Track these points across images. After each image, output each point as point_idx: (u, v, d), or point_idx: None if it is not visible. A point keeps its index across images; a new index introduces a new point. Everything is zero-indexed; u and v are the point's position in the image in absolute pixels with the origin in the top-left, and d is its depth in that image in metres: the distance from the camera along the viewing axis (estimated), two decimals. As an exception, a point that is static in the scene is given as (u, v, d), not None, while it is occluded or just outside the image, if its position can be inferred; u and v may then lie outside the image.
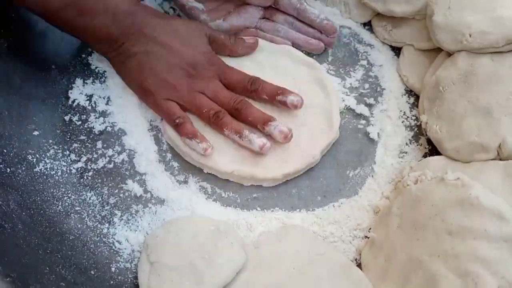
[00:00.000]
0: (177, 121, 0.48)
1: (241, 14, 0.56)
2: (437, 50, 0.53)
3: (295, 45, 0.57)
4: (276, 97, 0.49)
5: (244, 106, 0.49)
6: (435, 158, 0.48)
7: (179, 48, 0.49)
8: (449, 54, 0.51)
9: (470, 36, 0.47)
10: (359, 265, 0.45)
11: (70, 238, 0.44)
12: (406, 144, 0.53)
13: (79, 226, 0.45)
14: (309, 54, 0.57)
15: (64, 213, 0.46)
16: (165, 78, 0.48)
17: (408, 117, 0.54)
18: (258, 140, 0.47)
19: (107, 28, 0.48)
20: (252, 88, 0.49)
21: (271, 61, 0.55)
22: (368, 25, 0.61)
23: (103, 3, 0.47)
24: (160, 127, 0.52)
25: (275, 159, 0.48)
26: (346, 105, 0.55)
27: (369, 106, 0.55)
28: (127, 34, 0.48)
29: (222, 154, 0.49)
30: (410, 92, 0.56)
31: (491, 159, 0.44)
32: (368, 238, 0.46)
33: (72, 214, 0.46)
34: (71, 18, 0.47)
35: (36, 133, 0.49)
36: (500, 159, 0.44)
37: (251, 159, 0.48)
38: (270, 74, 0.53)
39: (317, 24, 0.56)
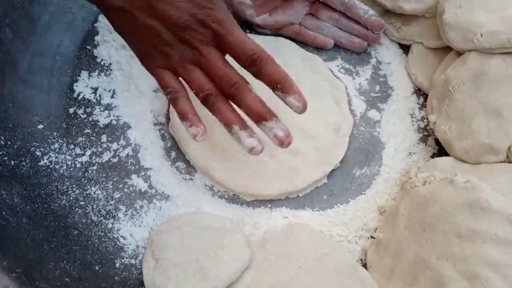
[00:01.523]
0: (168, 96, 0.41)
1: (286, 9, 0.55)
2: (447, 48, 0.52)
3: (338, 43, 0.57)
4: (275, 90, 0.39)
5: (239, 91, 0.40)
6: (443, 159, 0.48)
7: (164, 3, 0.39)
8: (459, 53, 0.50)
9: (481, 35, 0.47)
10: (364, 265, 0.45)
11: (75, 233, 0.44)
12: (414, 144, 0.52)
13: (83, 221, 0.45)
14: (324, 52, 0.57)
15: (68, 207, 0.45)
16: (152, 44, 0.40)
17: (416, 117, 0.54)
18: (248, 141, 0.40)
19: None
20: (251, 68, 0.39)
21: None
22: (376, 22, 0.61)
23: None
24: (165, 121, 0.51)
25: (280, 175, 0.47)
26: (354, 108, 0.54)
27: (378, 107, 0.54)
28: None
29: (223, 163, 0.47)
30: (418, 91, 0.56)
31: (501, 161, 0.44)
32: (374, 238, 0.46)
33: (76, 209, 0.46)
34: None
35: (40, 125, 0.49)
36: (510, 162, 0.44)
37: (253, 172, 0.47)
38: None
39: (364, 20, 0.55)
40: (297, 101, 0.39)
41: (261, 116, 0.39)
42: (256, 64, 0.39)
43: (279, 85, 0.39)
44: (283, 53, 0.54)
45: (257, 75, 0.40)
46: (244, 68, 0.40)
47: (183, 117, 0.41)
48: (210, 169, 0.47)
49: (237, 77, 0.40)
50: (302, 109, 0.39)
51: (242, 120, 0.40)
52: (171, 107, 0.47)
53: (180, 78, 0.42)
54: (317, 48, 0.57)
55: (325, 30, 0.56)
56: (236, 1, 0.54)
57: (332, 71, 0.55)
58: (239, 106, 0.40)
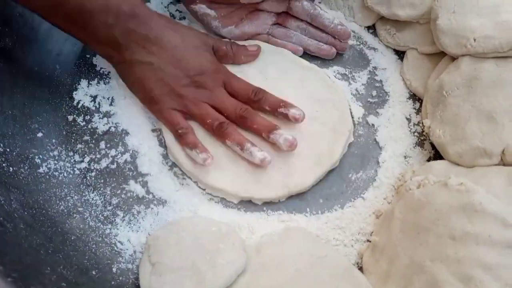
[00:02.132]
0: (180, 131, 0.48)
1: (253, 20, 0.56)
2: (441, 54, 0.53)
3: (306, 51, 0.57)
4: (278, 109, 0.49)
5: (250, 113, 0.49)
6: (438, 162, 0.48)
7: (186, 57, 0.49)
8: (453, 58, 0.51)
9: (474, 40, 0.47)
10: (360, 269, 0.45)
11: (72, 238, 0.44)
12: (411, 148, 0.53)
13: (81, 226, 0.45)
14: (319, 59, 0.58)
15: (66, 213, 0.46)
16: (172, 88, 0.48)
17: (413, 121, 0.54)
18: (259, 154, 0.47)
19: (108, 29, 0.46)
20: (255, 98, 0.50)
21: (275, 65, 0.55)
22: (372, 28, 0.61)
23: (104, 1, 0.45)
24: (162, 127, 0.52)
25: (276, 178, 0.48)
26: (352, 115, 0.54)
27: (374, 111, 0.55)
28: (130, 39, 0.47)
29: (220, 171, 0.48)
30: (414, 96, 0.56)
31: (495, 165, 0.44)
32: (370, 242, 0.46)
33: (74, 214, 0.46)
34: (70, 14, 0.45)
35: (39, 132, 0.49)
36: (504, 165, 0.44)
37: (251, 178, 0.48)
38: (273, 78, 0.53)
39: (330, 29, 0.56)
40: (298, 111, 0.49)
41: (272, 127, 0.48)
42: (261, 94, 0.50)
43: (282, 103, 0.49)
44: (278, 60, 0.55)
45: (261, 102, 0.50)
46: (248, 101, 0.50)
47: (193, 146, 0.47)
48: (203, 174, 0.48)
49: (246, 105, 0.49)
50: (303, 117, 0.49)
51: (250, 140, 0.48)
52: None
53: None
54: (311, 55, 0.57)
55: (293, 38, 0.57)
56: (200, 12, 0.54)
57: (328, 77, 0.56)
58: (251, 125, 0.49)
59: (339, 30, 0.56)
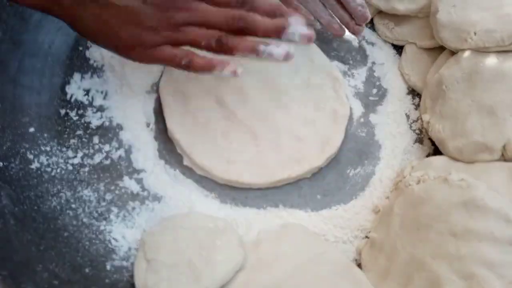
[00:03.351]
0: (183, 61, 0.40)
1: None
2: (440, 48, 0.52)
3: (317, 19, 0.54)
4: (275, 14, 0.40)
5: (247, 20, 0.39)
6: (437, 158, 0.48)
7: None
8: (453, 53, 0.50)
9: (475, 34, 0.47)
10: (359, 265, 0.44)
11: (65, 235, 0.43)
12: (410, 144, 0.52)
13: (74, 222, 0.44)
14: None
15: (59, 209, 0.45)
16: (140, 23, 0.39)
17: (412, 117, 0.54)
18: (279, 50, 0.39)
19: None
20: (243, 5, 0.40)
21: None
22: (370, 23, 0.60)
23: None
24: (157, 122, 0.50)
25: (276, 162, 0.48)
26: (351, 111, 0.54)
27: (373, 107, 0.54)
28: None
29: (221, 159, 0.47)
30: (413, 91, 0.56)
31: (495, 160, 0.44)
32: (368, 238, 0.46)
33: (67, 211, 0.45)
34: None
35: (30, 126, 0.48)
36: (505, 160, 0.44)
37: (248, 160, 0.47)
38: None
39: (350, 7, 0.51)
40: (298, 17, 0.40)
41: (280, 26, 0.39)
42: (248, 2, 0.40)
43: (278, 10, 0.40)
44: None
45: (252, 11, 0.40)
46: (234, 5, 0.40)
47: (209, 68, 0.40)
48: (201, 159, 0.48)
49: (236, 12, 0.40)
50: (310, 35, 0.40)
51: (262, 40, 0.40)
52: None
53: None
54: None
55: (309, 3, 0.52)
56: None
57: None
58: (255, 31, 0.40)
59: (359, 11, 0.51)
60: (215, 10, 0.40)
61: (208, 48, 0.40)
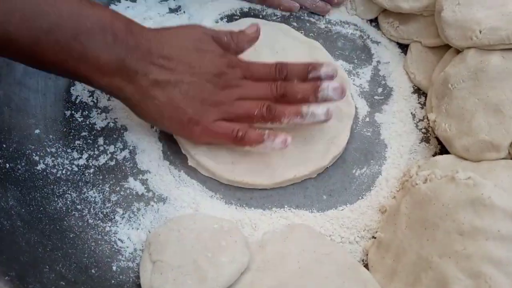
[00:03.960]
0: (239, 133, 0.44)
1: None
2: (446, 46, 0.52)
3: (302, 6, 0.58)
4: (309, 75, 0.46)
5: (287, 87, 0.46)
6: (444, 157, 0.47)
7: (196, 60, 0.44)
8: (458, 51, 0.50)
9: (480, 32, 0.47)
10: (365, 266, 0.44)
11: (71, 236, 0.43)
12: (416, 143, 0.52)
13: (80, 224, 0.44)
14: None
15: (64, 210, 0.45)
16: (202, 98, 0.44)
17: (418, 116, 0.54)
18: (320, 109, 0.45)
19: (111, 50, 0.39)
20: (281, 75, 0.47)
21: (270, 42, 0.54)
22: (374, 21, 0.61)
23: (97, 18, 0.39)
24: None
25: (282, 162, 0.48)
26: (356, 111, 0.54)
27: (378, 106, 0.54)
28: (136, 58, 0.41)
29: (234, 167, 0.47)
30: (418, 90, 0.55)
31: (502, 158, 0.43)
32: (375, 238, 0.45)
33: (73, 212, 0.45)
34: (64, 42, 0.38)
35: (36, 128, 0.48)
36: None
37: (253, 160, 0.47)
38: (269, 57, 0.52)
39: None
40: (328, 67, 0.46)
41: (315, 86, 0.45)
42: (284, 68, 0.47)
43: (309, 67, 0.46)
44: (285, 41, 0.55)
45: (288, 74, 0.47)
46: (275, 79, 0.47)
47: (260, 141, 0.44)
48: (205, 159, 0.48)
49: (276, 82, 0.46)
50: (336, 70, 0.47)
51: (302, 103, 0.46)
52: None
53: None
54: None
55: None
56: None
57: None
58: (294, 97, 0.46)
59: None
60: (260, 84, 0.46)
61: (260, 116, 0.45)
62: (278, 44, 0.54)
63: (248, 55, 0.49)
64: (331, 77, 0.46)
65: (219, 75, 0.45)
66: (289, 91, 0.46)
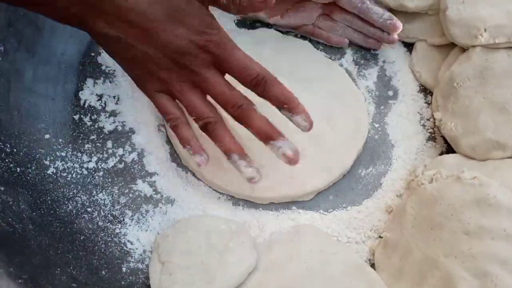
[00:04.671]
0: (172, 123, 0.41)
1: (299, 11, 0.55)
2: (451, 45, 0.52)
3: (352, 42, 0.57)
4: (281, 110, 0.40)
5: (245, 113, 0.40)
6: (450, 156, 0.47)
7: (160, 30, 0.38)
8: (463, 49, 0.50)
9: (485, 30, 0.46)
10: (372, 266, 0.44)
11: (81, 238, 0.44)
12: (423, 143, 0.52)
13: (90, 226, 0.45)
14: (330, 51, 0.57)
15: (75, 213, 0.45)
16: (150, 70, 0.39)
17: (424, 115, 0.53)
18: (247, 171, 0.40)
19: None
20: (255, 89, 0.40)
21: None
22: (379, 21, 0.60)
23: None
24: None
25: (279, 180, 0.47)
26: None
27: (384, 106, 0.54)
28: (92, 7, 0.37)
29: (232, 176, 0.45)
30: (424, 89, 0.55)
31: (508, 157, 0.43)
32: (382, 238, 0.45)
33: (83, 214, 0.46)
34: None
35: (46, 132, 0.49)
36: (518, 157, 0.43)
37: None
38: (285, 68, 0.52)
39: (380, 24, 0.54)
40: (304, 120, 0.40)
41: (269, 136, 0.40)
42: (261, 85, 0.39)
43: (286, 105, 0.39)
44: (299, 54, 0.54)
45: (263, 95, 0.40)
46: (248, 88, 0.40)
47: (184, 144, 0.41)
48: (207, 172, 0.47)
49: (242, 100, 0.40)
50: (309, 128, 0.40)
51: (241, 148, 0.41)
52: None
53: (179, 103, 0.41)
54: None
55: (339, 31, 0.56)
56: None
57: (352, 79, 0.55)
58: (246, 127, 0.40)
59: (388, 24, 0.53)
60: (223, 86, 0.40)
61: (195, 121, 0.41)
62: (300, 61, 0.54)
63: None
64: (303, 128, 0.40)
65: (182, 54, 0.39)
66: (244, 118, 0.40)
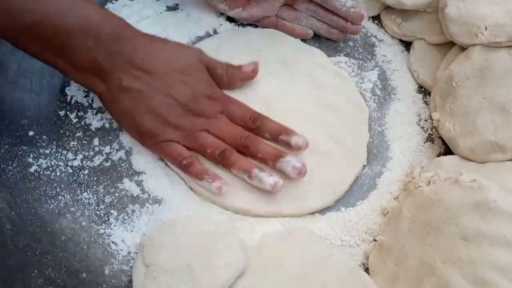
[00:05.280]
0: (184, 162, 0.44)
1: (260, 2, 0.54)
2: (450, 44, 0.51)
3: (316, 33, 0.56)
4: (279, 136, 0.45)
5: (252, 142, 0.45)
6: (448, 157, 0.46)
7: (177, 81, 0.44)
8: (463, 48, 0.49)
9: (485, 29, 0.45)
10: (366, 270, 0.43)
11: (62, 239, 0.42)
12: (420, 143, 0.50)
13: (72, 226, 0.43)
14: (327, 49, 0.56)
15: (57, 212, 0.44)
16: (166, 119, 0.44)
17: (422, 115, 0.52)
18: (269, 179, 0.43)
19: (89, 53, 0.41)
20: (254, 126, 0.46)
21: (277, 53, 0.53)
22: (376, 19, 0.59)
23: (83, 20, 0.40)
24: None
25: (293, 194, 0.45)
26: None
27: (381, 105, 0.53)
28: (114, 64, 0.42)
29: (235, 191, 0.45)
30: (422, 89, 0.54)
31: (508, 160, 0.42)
32: (376, 241, 0.44)
33: (66, 214, 0.44)
34: (45, 38, 0.40)
35: (29, 128, 0.47)
36: (518, 160, 0.42)
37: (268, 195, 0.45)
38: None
39: (343, 12, 0.53)
40: (300, 141, 0.44)
41: (277, 155, 0.44)
42: (259, 120, 0.46)
43: (283, 130, 0.45)
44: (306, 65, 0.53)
45: (261, 128, 0.46)
46: (247, 128, 0.46)
47: (202, 176, 0.44)
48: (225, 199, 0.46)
49: (247, 132, 0.45)
50: (306, 144, 0.45)
51: (258, 165, 0.44)
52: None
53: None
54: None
55: (303, 21, 0.55)
56: None
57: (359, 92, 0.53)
58: (255, 154, 0.45)
59: (352, 12, 0.53)
60: (229, 126, 0.46)
61: (211, 157, 0.45)
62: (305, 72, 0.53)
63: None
64: (299, 148, 0.44)
65: (195, 101, 0.45)
66: (251, 146, 0.45)
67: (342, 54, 0.56)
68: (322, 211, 0.46)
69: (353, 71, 0.55)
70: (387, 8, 0.57)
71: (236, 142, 0.45)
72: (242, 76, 0.48)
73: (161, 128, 0.44)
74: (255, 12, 0.54)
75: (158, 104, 0.43)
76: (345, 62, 0.55)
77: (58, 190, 0.45)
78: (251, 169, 0.43)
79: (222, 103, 0.46)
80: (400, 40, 0.57)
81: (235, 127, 0.46)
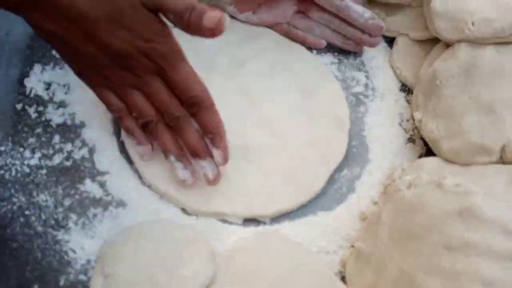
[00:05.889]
0: (112, 113, 0.42)
1: (272, 8, 0.51)
2: (434, 40, 0.49)
3: (330, 44, 0.53)
4: (205, 137, 0.41)
5: (180, 125, 0.41)
6: (430, 159, 0.44)
7: (104, 30, 0.36)
8: (448, 45, 0.47)
9: (472, 24, 0.43)
10: (343, 278, 0.41)
11: (13, 246, 0.38)
12: (401, 144, 0.48)
13: (26, 231, 0.40)
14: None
15: (9, 216, 0.40)
16: (90, 66, 0.39)
17: (404, 115, 0.50)
18: (180, 172, 0.41)
19: None
20: (189, 109, 0.40)
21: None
22: (359, 12, 0.57)
23: None
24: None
25: (263, 193, 0.43)
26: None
27: (361, 104, 0.51)
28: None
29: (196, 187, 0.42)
30: (405, 87, 0.52)
31: (494, 162, 0.40)
32: (354, 247, 0.42)
33: (19, 217, 0.40)
34: None
35: (-19, 124, 0.44)
36: (503, 163, 0.40)
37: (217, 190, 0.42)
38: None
39: (360, 24, 0.49)
40: (219, 157, 0.41)
41: (196, 153, 0.41)
42: (194, 107, 0.40)
43: (211, 135, 0.41)
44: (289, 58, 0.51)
45: (193, 116, 0.41)
46: (183, 105, 0.40)
47: (129, 132, 0.42)
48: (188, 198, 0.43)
49: (180, 111, 0.40)
50: (222, 164, 0.42)
51: (179, 150, 0.42)
52: None
53: None
54: None
55: (316, 31, 0.52)
56: None
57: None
58: (179, 136, 0.42)
59: (370, 24, 0.49)
60: (165, 95, 0.40)
61: (135, 121, 0.41)
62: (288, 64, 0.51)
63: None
64: (216, 162, 0.41)
65: (124, 56, 0.38)
66: (178, 130, 0.41)
67: (322, 50, 0.53)
68: (298, 215, 0.44)
69: (335, 67, 0.53)
70: (370, 2, 0.55)
71: (165, 117, 0.41)
72: (203, 23, 0.36)
73: (89, 72, 0.40)
74: (266, 17, 0.51)
75: (78, 51, 0.37)
76: (326, 59, 0.53)
77: (12, 191, 0.42)
78: (168, 152, 0.41)
79: (162, 63, 0.38)
80: (383, 36, 0.55)
81: (171, 99, 0.40)
